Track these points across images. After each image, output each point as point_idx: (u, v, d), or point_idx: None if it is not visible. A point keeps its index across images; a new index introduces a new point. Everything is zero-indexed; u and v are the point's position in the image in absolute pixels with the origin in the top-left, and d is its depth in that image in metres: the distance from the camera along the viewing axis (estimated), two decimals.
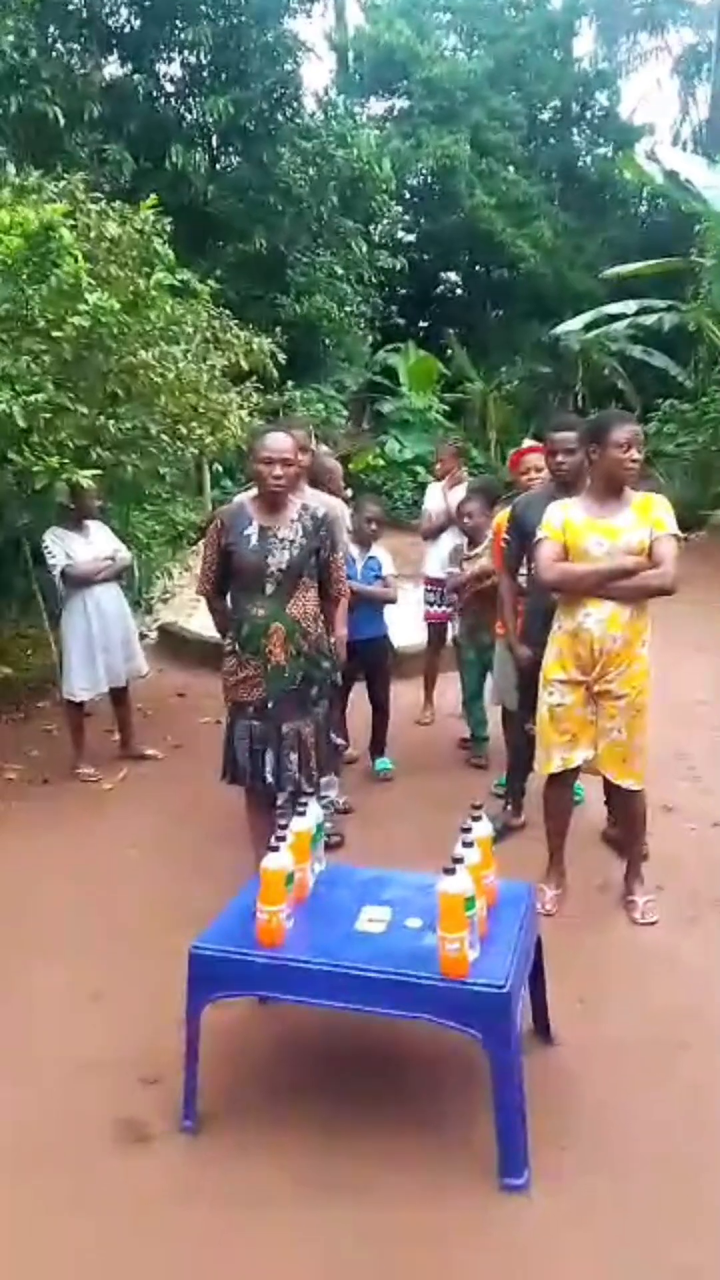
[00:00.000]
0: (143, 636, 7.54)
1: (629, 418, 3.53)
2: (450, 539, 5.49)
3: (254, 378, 6.61)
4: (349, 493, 5.29)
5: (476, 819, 2.56)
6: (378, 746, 5.07)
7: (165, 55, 11.41)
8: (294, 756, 3.52)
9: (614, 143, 18.19)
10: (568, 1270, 2.16)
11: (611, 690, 3.42)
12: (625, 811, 3.72)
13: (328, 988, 2.39)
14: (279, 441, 3.40)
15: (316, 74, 19.73)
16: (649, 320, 11.39)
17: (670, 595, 3.36)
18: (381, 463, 13.54)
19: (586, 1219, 2.28)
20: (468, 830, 2.47)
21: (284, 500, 3.46)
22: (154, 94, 11.38)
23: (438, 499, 5.84)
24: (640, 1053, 2.86)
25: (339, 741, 3.87)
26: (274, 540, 3.42)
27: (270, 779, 3.52)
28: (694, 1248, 2.20)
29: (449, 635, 5.71)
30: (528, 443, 4.88)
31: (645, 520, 3.37)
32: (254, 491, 3.56)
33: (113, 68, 11.38)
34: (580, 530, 3.39)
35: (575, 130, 19.19)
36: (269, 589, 3.42)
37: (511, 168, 17.22)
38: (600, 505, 3.43)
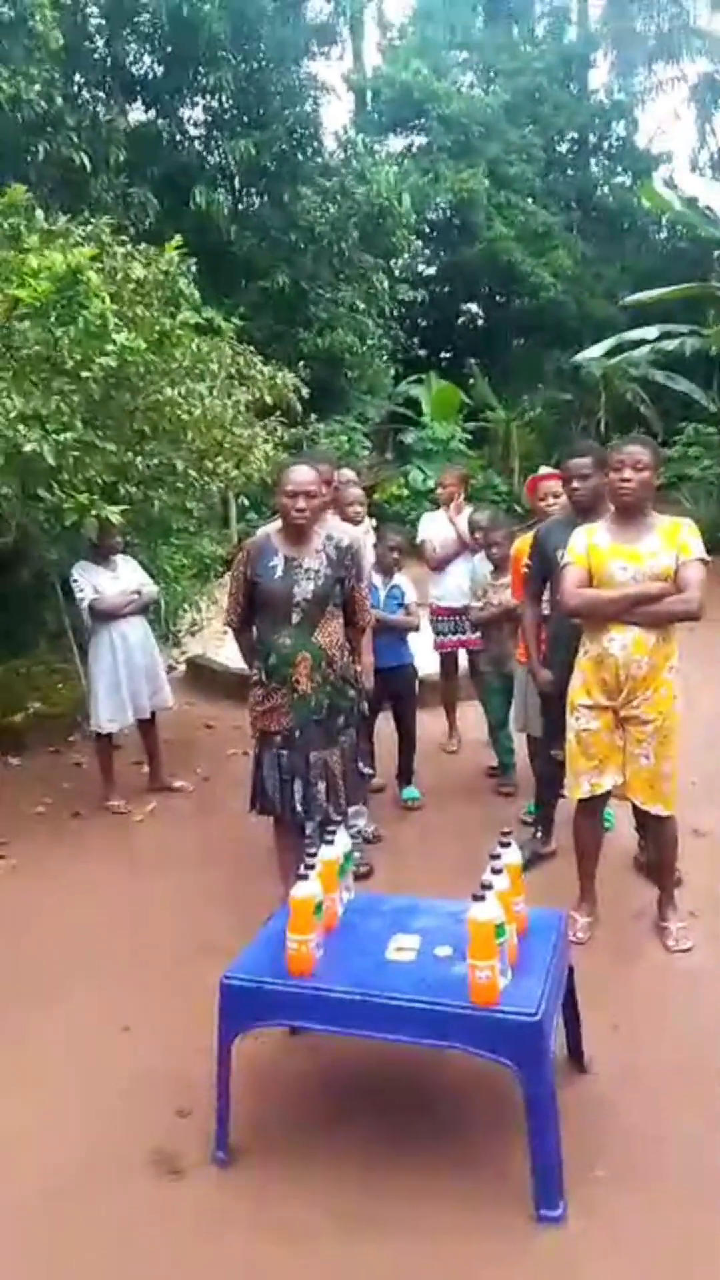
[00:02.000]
0: (170, 669, 7.61)
1: (634, 440, 3.53)
2: (460, 567, 5.49)
3: (278, 412, 6.70)
4: (372, 522, 5.33)
5: (505, 845, 2.56)
6: (405, 775, 5.07)
7: (188, 100, 11.69)
8: (321, 786, 3.54)
9: (632, 171, 18.37)
10: None
11: (638, 715, 3.41)
12: (657, 837, 3.69)
13: (358, 1017, 2.39)
14: (302, 474, 3.45)
15: (335, 113, 20.07)
16: (671, 345, 11.40)
17: (696, 620, 3.35)
18: (405, 492, 13.61)
19: (623, 1249, 2.26)
20: (497, 857, 2.47)
21: (309, 532, 3.51)
22: (177, 138, 11.65)
23: (441, 528, 5.76)
24: (675, 1080, 2.82)
25: (366, 770, 3.88)
26: (299, 570, 3.46)
27: (299, 809, 3.53)
28: None
29: (461, 663, 5.71)
30: (544, 470, 4.88)
31: (671, 545, 3.36)
32: (279, 524, 3.61)
33: (136, 114, 11.65)
34: (605, 555, 3.39)
35: (593, 160, 19.40)
36: (295, 618, 3.46)
37: (530, 199, 17.39)
38: (624, 529, 3.43)
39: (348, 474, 4.81)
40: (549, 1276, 2.20)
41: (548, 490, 4.49)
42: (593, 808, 3.63)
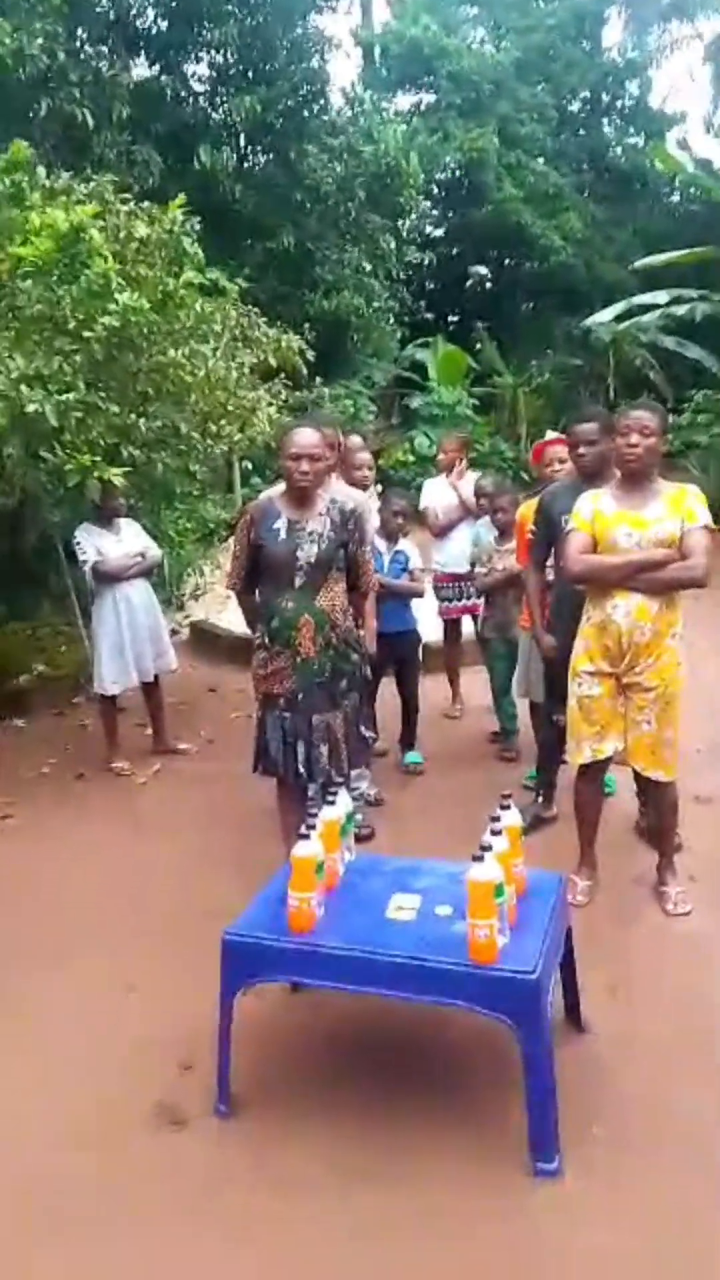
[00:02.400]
0: (174, 633, 7.62)
1: (642, 405, 3.51)
2: (463, 533, 5.47)
3: (283, 375, 6.64)
4: (377, 488, 5.30)
5: (506, 808, 2.57)
6: (408, 740, 5.09)
7: (192, 55, 11.48)
8: (324, 748, 3.55)
9: (644, 132, 18.08)
10: (602, 1254, 2.16)
11: (641, 682, 3.41)
12: (657, 803, 3.70)
13: (358, 973, 2.41)
14: (306, 437, 3.43)
15: (343, 70, 19.71)
16: (681, 310, 11.27)
17: (701, 588, 3.34)
18: (411, 458, 13.52)
19: (619, 1204, 2.29)
20: (496, 819, 2.49)
21: (312, 495, 3.49)
22: (181, 94, 11.45)
23: (443, 494, 5.72)
24: (672, 1041, 2.85)
25: (369, 734, 3.89)
26: (302, 533, 3.45)
27: (302, 771, 3.55)
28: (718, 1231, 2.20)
29: (465, 630, 5.70)
30: (551, 435, 4.85)
31: (676, 511, 3.34)
32: (282, 487, 3.59)
33: (140, 69, 11.46)
34: (610, 521, 3.38)
35: (605, 120, 19.07)
36: (298, 582, 3.45)
37: (540, 159, 17.13)
38: (630, 495, 3.41)
39: (356, 440, 4.77)
40: (546, 1230, 2.24)
41: (554, 456, 4.46)
42: (594, 773, 3.64)
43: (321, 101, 12.02)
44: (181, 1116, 2.62)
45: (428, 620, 5.34)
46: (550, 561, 4.14)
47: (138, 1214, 2.34)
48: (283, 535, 3.45)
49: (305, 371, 7.02)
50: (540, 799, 4.37)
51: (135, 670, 5.28)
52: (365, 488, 4.67)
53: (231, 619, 7.91)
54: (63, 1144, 2.57)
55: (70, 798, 4.95)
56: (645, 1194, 2.32)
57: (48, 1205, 2.38)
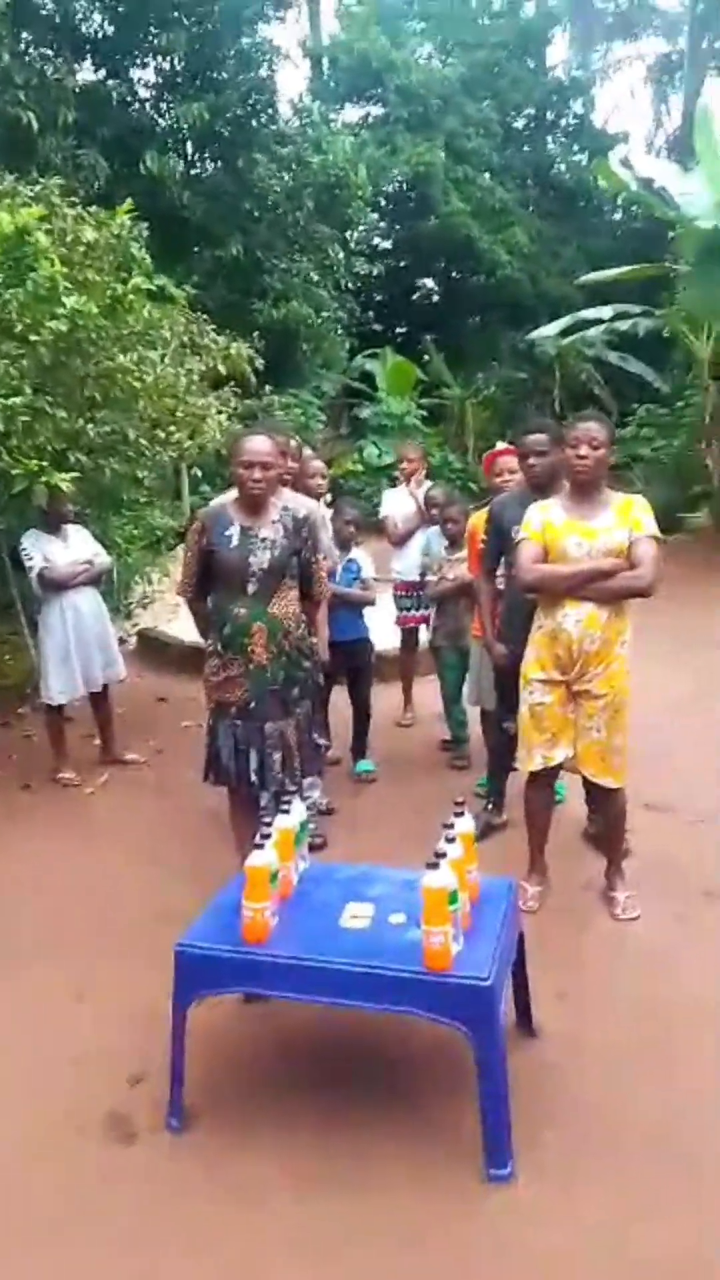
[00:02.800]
0: (121, 642, 7.52)
1: (589, 417, 3.57)
2: (420, 541, 5.50)
3: (233, 383, 6.62)
4: (327, 497, 5.31)
5: (460, 814, 2.58)
6: (359, 748, 5.08)
7: (139, 61, 11.43)
8: (277, 756, 3.53)
9: (588, 150, 18.37)
10: (555, 1257, 2.17)
11: (590, 690, 3.45)
12: (606, 809, 3.75)
13: (312, 983, 2.40)
14: (259, 444, 3.42)
15: (291, 81, 19.83)
16: (625, 325, 11.47)
17: (648, 597, 3.39)
18: (360, 468, 13.57)
19: (572, 1207, 2.30)
20: (450, 826, 2.49)
21: (264, 502, 3.48)
22: (128, 99, 11.39)
23: (402, 502, 5.77)
24: (623, 1044, 2.88)
25: (322, 742, 3.88)
26: (255, 540, 3.44)
27: (254, 780, 3.52)
28: (678, 1233, 2.22)
29: (422, 639, 5.73)
30: (501, 445, 4.90)
31: (624, 521, 3.39)
32: (234, 494, 3.58)
33: (86, 73, 11.37)
34: (560, 531, 3.42)
35: (550, 137, 19.37)
36: (251, 589, 3.44)
37: (487, 174, 17.34)
38: (579, 506, 3.46)
39: (309, 452, 4.80)
40: (499, 1233, 2.24)
41: (504, 466, 4.49)
42: (544, 780, 3.67)
43: (270, 111, 12.04)
44: (132, 1129, 2.59)
45: (380, 629, 5.35)
46: (501, 570, 4.17)
47: (91, 1227, 2.30)
48: (235, 542, 3.43)
49: (254, 380, 7.02)
50: (491, 806, 4.40)
51: (83, 680, 5.21)
52: (319, 497, 4.67)
53: (181, 627, 7.85)
54: (12, 1157, 2.51)
55: (17, 809, 4.86)
56: (596, 1197, 2.34)
57: None
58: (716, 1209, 2.30)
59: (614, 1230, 2.24)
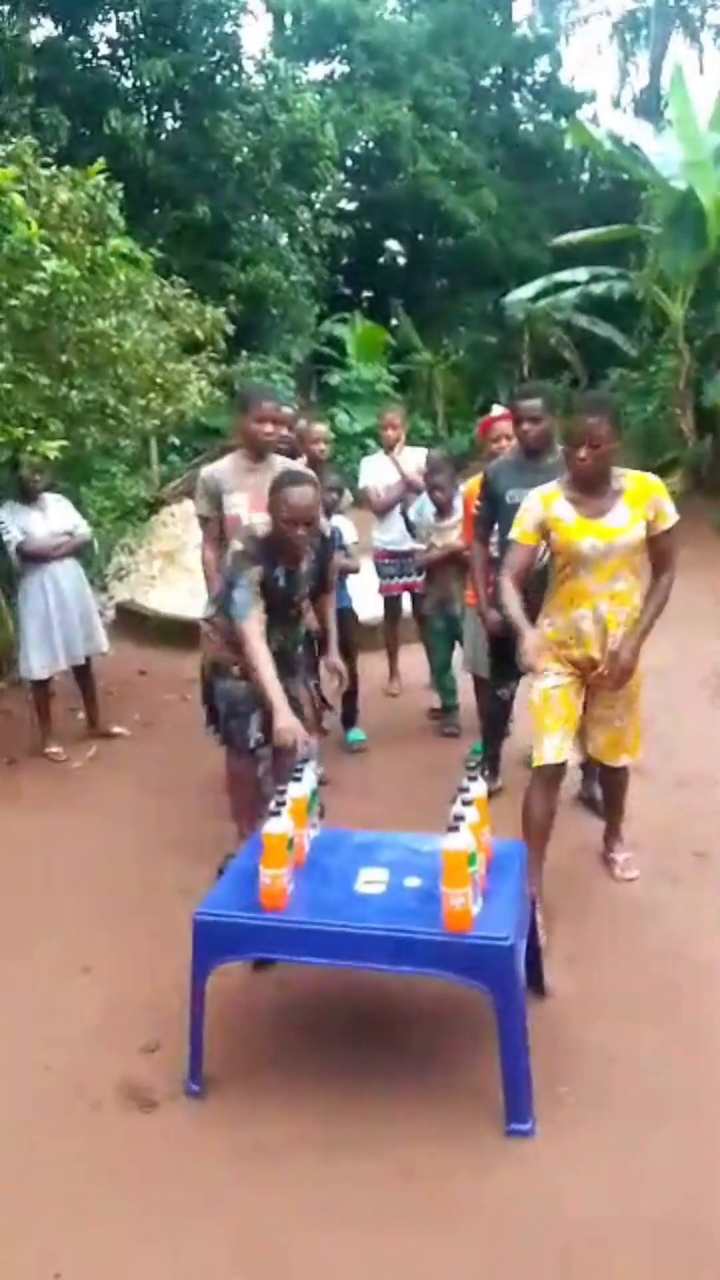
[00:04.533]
0: (99, 614, 7.46)
1: (592, 408, 3.16)
2: (409, 508, 5.46)
3: (209, 348, 6.52)
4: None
5: (473, 778, 2.60)
6: (349, 718, 5.09)
7: (100, 16, 11.11)
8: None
9: (555, 109, 18.22)
10: (569, 1208, 2.22)
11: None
12: (609, 780, 3.72)
13: (335, 948, 2.42)
14: (305, 499, 3.30)
15: (253, 37, 19.41)
16: (600, 289, 11.44)
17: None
18: (332, 435, 13.46)
19: (591, 1160, 2.35)
20: (466, 790, 2.51)
21: (304, 549, 3.44)
22: (89, 56, 11.09)
23: (383, 471, 5.67)
24: (633, 999, 2.94)
25: (328, 705, 3.90)
26: (299, 578, 3.52)
27: (259, 736, 3.51)
28: (691, 1188, 2.28)
29: (405, 607, 5.72)
30: (497, 410, 4.86)
31: (640, 513, 3.16)
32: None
33: (45, 29, 11.05)
34: (572, 531, 3.16)
35: (516, 96, 19.18)
36: (291, 613, 3.57)
37: (454, 134, 17.14)
38: (588, 499, 3.18)
39: (309, 422, 4.99)
40: (522, 1186, 2.29)
41: (501, 432, 4.41)
42: (550, 779, 3.36)
43: (234, 68, 11.77)
44: (151, 1098, 2.59)
45: (363, 598, 5.33)
46: (494, 537, 4.17)
47: (115, 1194, 2.32)
48: (282, 583, 3.46)
49: (225, 345, 6.91)
50: (486, 772, 4.40)
51: (64, 654, 5.15)
52: (320, 463, 4.75)
53: (159, 599, 7.80)
54: (33, 1129, 2.52)
55: (4, 784, 4.82)
56: (616, 1144, 2.39)
57: (18, 1192, 2.33)
58: None
59: (633, 1181, 2.29)
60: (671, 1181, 2.29)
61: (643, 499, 3.17)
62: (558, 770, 3.34)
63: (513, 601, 3.28)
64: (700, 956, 3.16)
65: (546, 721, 3.30)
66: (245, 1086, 2.63)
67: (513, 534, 3.35)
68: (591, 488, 3.18)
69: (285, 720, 3.16)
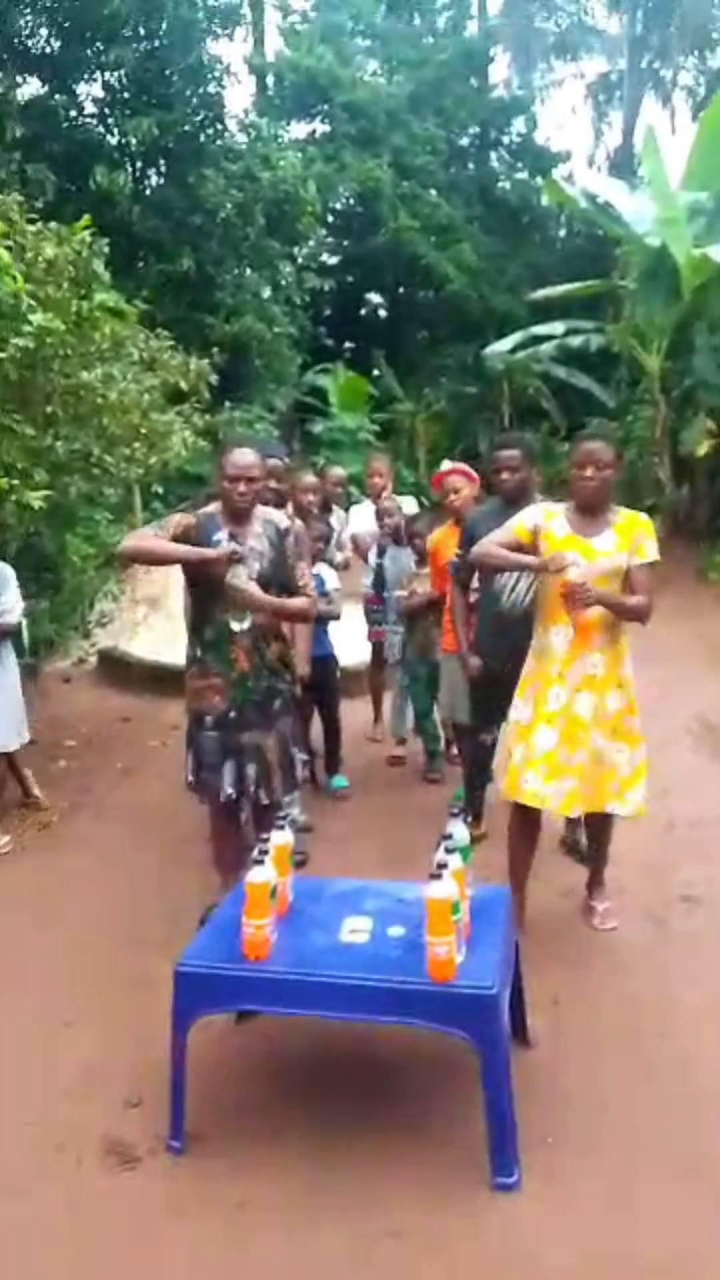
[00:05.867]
0: (80, 661, 7.44)
1: (596, 436, 3.59)
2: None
3: (194, 399, 6.61)
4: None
5: (455, 814, 2.61)
6: (332, 764, 5.09)
7: (86, 76, 11.39)
8: (252, 769, 3.52)
9: (531, 168, 18.67)
10: (564, 1264, 2.19)
11: (601, 716, 3.37)
12: (596, 828, 3.72)
13: (317, 998, 2.40)
14: (245, 458, 3.43)
15: (237, 97, 19.88)
16: (576, 341, 11.68)
17: (644, 623, 3.39)
18: (345, 475, 13.56)
19: (578, 1212, 2.33)
20: (449, 836, 2.51)
21: (249, 514, 3.49)
22: (75, 114, 11.34)
23: (370, 518, 5.76)
24: (620, 1046, 2.93)
25: (302, 757, 3.87)
26: (243, 549, 3.45)
27: (230, 791, 3.50)
28: (685, 1238, 2.25)
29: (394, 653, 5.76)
30: (447, 465, 4.98)
31: (626, 544, 3.34)
32: (216, 506, 3.58)
33: (32, 87, 11.30)
34: (560, 544, 3.34)
35: (494, 155, 19.64)
36: (229, 580, 3.43)
37: (433, 191, 17.51)
38: (583, 522, 3.38)
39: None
40: (507, 1240, 2.26)
41: (449, 487, 4.61)
42: (531, 817, 3.53)
43: (218, 126, 12.05)
44: (133, 1154, 2.55)
45: (347, 644, 5.36)
46: (475, 584, 4.22)
47: (93, 1252, 2.27)
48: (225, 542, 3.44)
49: (209, 396, 7.00)
50: (469, 819, 4.40)
51: None
52: (310, 512, 4.83)
53: (142, 646, 7.79)
54: (13, 1186, 2.47)
55: None
56: (602, 1202, 2.36)
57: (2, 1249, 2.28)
58: (714, 1210, 2.33)
59: (622, 1230, 2.27)
60: (663, 1230, 2.27)
61: (630, 531, 3.36)
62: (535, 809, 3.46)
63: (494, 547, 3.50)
64: (687, 1002, 3.15)
65: (523, 760, 3.42)
66: (228, 1142, 2.59)
67: (508, 524, 3.52)
68: (591, 511, 3.39)
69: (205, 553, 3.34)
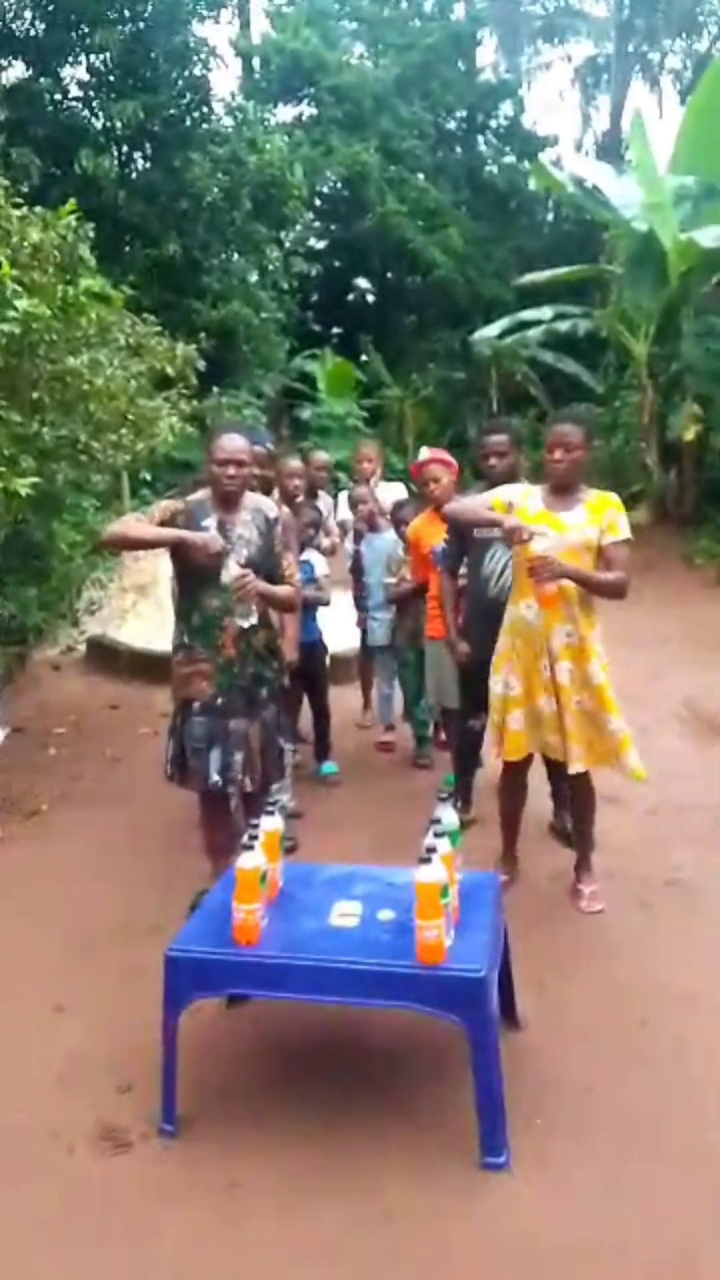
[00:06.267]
0: (69, 650, 7.43)
1: (566, 418, 3.68)
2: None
3: (181, 384, 6.58)
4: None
5: (444, 799, 2.63)
6: (322, 750, 5.10)
7: (71, 59, 11.28)
8: (239, 756, 3.52)
9: (519, 152, 18.62)
10: (554, 1242, 2.22)
11: (565, 685, 3.50)
12: (576, 802, 3.80)
13: (307, 982, 2.42)
14: (234, 442, 3.45)
15: (223, 80, 19.77)
16: (564, 326, 11.68)
17: (622, 598, 3.49)
18: (332, 460, 13.55)
19: (567, 1192, 2.35)
20: (438, 821, 2.53)
21: (238, 500, 3.49)
22: (60, 98, 11.23)
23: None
24: (607, 1028, 2.95)
25: (289, 746, 3.88)
26: (232, 534, 3.46)
27: (216, 778, 3.51)
28: (672, 1222, 2.28)
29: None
30: (425, 453, 4.98)
31: (596, 520, 3.48)
32: (205, 492, 3.58)
33: (16, 71, 11.19)
34: (532, 519, 3.47)
35: (481, 139, 19.59)
36: (224, 580, 3.44)
37: (420, 175, 17.46)
38: (556, 500, 3.55)
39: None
40: (500, 1221, 2.28)
41: (429, 476, 4.63)
42: (516, 770, 3.76)
43: (204, 110, 11.97)
44: (125, 1139, 2.56)
45: (336, 630, 5.36)
46: (462, 570, 4.23)
47: (90, 1236, 2.28)
48: (212, 533, 3.43)
49: (196, 381, 6.97)
50: (458, 804, 4.43)
51: None
52: (297, 498, 4.84)
53: (131, 634, 7.78)
54: (5, 1173, 2.48)
55: None
56: (590, 1183, 2.39)
57: None
58: (703, 1193, 2.36)
59: (608, 1210, 2.30)
60: (654, 1210, 2.30)
61: (601, 510, 3.52)
62: (522, 761, 3.71)
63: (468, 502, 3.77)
64: (673, 984, 3.18)
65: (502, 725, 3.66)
66: (220, 1125, 2.60)
67: (484, 496, 3.68)
68: (563, 490, 3.54)
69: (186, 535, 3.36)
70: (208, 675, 3.48)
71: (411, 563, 4.93)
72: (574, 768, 3.53)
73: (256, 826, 2.62)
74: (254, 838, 2.56)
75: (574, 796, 3.79)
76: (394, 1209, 2.32)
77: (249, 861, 2.48)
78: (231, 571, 3.36)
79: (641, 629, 7.43)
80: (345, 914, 2.60)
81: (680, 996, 3.11)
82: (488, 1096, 2.38)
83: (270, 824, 2.68)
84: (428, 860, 2.35)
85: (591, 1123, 2.59)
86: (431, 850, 2.38)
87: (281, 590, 3.59)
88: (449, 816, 2.60)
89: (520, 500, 3.55)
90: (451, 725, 4.73)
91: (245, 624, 3.41)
